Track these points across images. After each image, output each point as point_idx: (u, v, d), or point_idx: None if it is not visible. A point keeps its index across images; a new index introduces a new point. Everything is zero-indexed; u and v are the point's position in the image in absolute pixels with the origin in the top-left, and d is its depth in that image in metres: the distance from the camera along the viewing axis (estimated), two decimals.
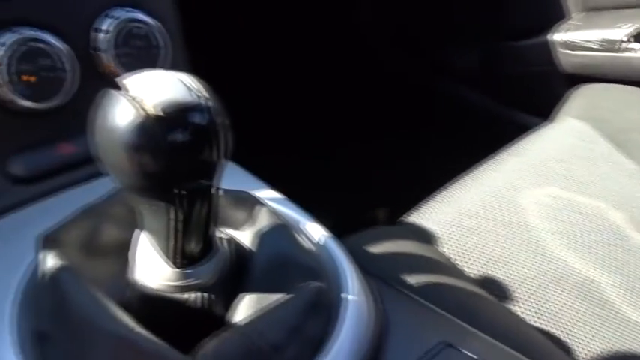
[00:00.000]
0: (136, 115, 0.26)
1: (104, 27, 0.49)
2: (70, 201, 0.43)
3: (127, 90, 0.27)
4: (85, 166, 0.48)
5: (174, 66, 0.55)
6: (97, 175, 0.48)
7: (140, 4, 0.52)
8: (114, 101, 0.27)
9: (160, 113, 0.26)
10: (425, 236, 0.61)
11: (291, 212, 0.44)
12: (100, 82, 0.51)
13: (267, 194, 0.45)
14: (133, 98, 0.27)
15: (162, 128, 0.26)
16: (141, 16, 0.51)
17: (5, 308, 0.35)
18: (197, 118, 0.27)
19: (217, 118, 0.28)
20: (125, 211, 0.39)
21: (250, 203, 0.41)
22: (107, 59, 0.50)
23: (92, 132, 0.28)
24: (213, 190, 0.31)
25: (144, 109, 0.26)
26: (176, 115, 0.27)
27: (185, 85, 0.28)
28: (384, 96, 1.36)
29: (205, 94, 0.28)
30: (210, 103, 0.28)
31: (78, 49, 0.49)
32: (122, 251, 0.38)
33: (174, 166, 0.28)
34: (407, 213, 0.65)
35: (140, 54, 0.51)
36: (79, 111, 0.50)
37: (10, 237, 0.41)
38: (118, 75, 0.50)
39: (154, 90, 0.27)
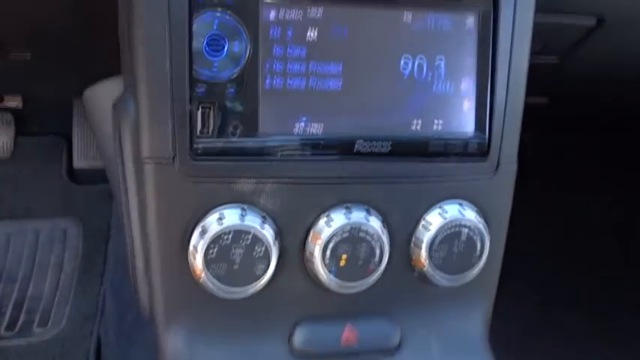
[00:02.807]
0: None
1: (432, 221, 0.46)
2: None
3: None
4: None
5: (485, 271, 0.49)
6: None
7: (477, 201, 0.47)
8: None
9: None
10: None
11: None
12: (407, 274, 0.48)
13: None
14: None
15: None
16: (472, 219, 0.46)
17: None
18: None
19: None
20: None
21: None
22: (422, 255, 0.46)
23: None
24: None
25: None
26: None
27: None
28: None
29: None
30: None
31: (397, 240, 0.46)
32: None
33: None
34: None
35: (456, 257, 0.46)
36: (371, 299, 0.47)
37: None
38: (426, 272, 0.46)
39: None
